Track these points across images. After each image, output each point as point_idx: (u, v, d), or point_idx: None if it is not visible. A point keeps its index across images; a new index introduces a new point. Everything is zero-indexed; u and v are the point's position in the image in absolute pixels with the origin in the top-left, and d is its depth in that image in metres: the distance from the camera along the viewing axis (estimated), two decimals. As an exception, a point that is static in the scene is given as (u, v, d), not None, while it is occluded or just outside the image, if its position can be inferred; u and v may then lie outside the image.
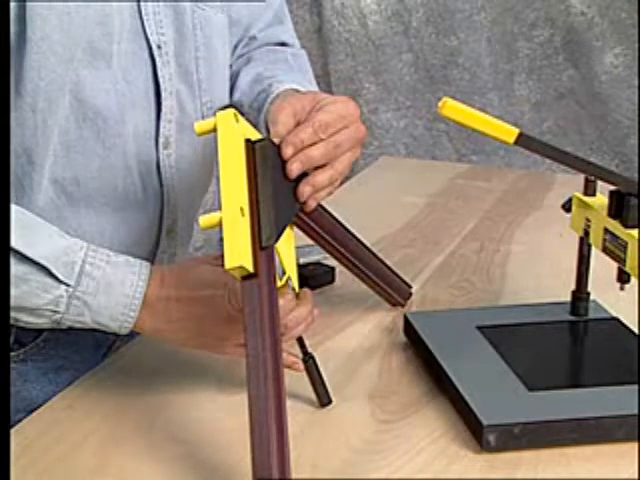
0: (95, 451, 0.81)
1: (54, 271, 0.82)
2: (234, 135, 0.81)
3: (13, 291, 0.81)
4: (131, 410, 0.88)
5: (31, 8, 0.84)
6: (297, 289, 0.87)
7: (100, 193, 0.94)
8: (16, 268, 0.80)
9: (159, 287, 0.85)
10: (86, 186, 0.93)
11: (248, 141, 0.81)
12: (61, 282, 0.82)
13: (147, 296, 0.84)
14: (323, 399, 0.88)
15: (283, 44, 1.15)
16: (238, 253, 0.73)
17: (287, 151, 0.83)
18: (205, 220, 0.76)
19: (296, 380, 0.88)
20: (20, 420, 0.86)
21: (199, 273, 0.85)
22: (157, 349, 0.97)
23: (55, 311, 0.83)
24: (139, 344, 1.00)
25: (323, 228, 0.96)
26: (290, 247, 0.88)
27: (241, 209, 0.76)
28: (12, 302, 0.81)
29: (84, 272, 0.83)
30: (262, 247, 0.76)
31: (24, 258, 0.81)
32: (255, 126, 0.90)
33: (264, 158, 0.80)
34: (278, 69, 1.07)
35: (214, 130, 0.82)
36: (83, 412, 0.88)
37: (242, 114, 0.87)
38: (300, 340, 0.88)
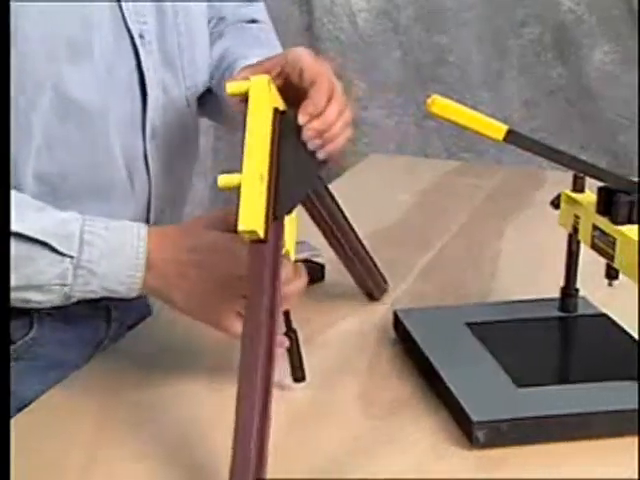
0: (84, 450, 0.81)
1: (55, 245, 0.83)
2: (265, 102, 0.82)
3: (19, 272, 0.82)
4: (120, 409, 0.88)
5: (11, 5, 0.83)
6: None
7: (86, 187, 0.94)
8: (18, 248, 0.81)
9: (160, 248, 0.86)
10: (72, 180, 0.93)
11: (276, 110, 0.81)
12: (64, 255, 0.83)
13: (149, 256, 0.85)
14: (297, 374, 0.90)
15: (254, 21, 1.16)
16: (252, 217, 0.75)
17: (304, 118, 0.85)
18: (224, 179, 0.77)
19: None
20: (8, 418, 0.86)
21: (202, 236, 0.86)
22: (146, 348, 0.97)
23: (63, 284, 0.84)
24: (127, 343, 1.00)
25: (326, 209, 0.99)
26: (292, 225, 0.89)
27: (261, 176, 0.77)
28: (20, 282, 0.82)
29: (84, 241, 0.84)
30: (275, 217, 0.78)
31: (24, 237, 0.81)
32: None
33: (290, 130, 0.81)
34: (245, 44, 1.08)
35: (245, 94, 0.83)
36: (71, 411, 0.87)
37: (211, 88, 0.87)
38: (286, 314, 0.89)
